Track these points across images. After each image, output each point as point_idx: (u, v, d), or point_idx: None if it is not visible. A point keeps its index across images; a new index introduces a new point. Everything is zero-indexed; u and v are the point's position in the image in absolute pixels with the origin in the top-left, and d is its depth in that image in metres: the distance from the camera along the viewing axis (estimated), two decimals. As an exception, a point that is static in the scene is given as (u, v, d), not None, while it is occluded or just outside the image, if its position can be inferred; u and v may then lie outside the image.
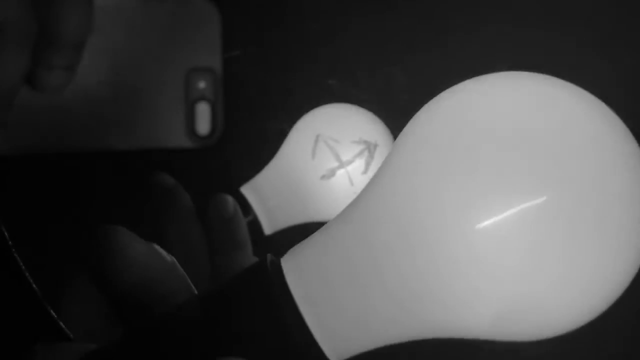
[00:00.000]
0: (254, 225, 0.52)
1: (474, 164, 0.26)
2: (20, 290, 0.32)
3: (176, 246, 0.49)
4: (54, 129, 0.55)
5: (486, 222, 0.25)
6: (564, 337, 0.28)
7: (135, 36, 0.57)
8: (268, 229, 0.53)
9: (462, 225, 0.26)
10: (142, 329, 0.29)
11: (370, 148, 0.52)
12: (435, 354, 0.47)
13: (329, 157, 0.52)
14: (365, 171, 0.52)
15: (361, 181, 0.52)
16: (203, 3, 0.58)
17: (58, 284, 0.45)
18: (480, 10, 0.59)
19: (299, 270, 0.28)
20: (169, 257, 0.30)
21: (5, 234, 0.31)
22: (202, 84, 0.58)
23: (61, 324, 0.31)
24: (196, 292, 0.31)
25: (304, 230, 0.54)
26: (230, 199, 0.51)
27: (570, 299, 0.26)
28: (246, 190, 0.53)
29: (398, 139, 0.29)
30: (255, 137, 0.59)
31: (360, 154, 0.52)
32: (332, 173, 0.52)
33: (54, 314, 0.31)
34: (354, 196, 0.52)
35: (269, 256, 0.28)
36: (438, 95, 0.29)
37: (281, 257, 0.29)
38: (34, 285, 0.32)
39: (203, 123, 0.58)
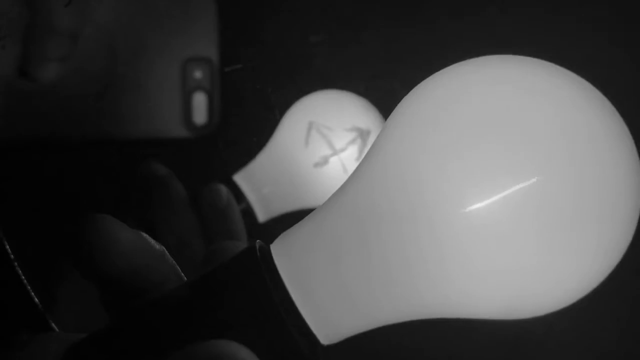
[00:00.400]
0: (248, 213, 0.52)
1: (462, 144, 0.26)
2: (8, 282, 0.32)
3: (169, 235, 0.50)
4: (49, 118, 0.55)
5: (475, 205, 0.25)
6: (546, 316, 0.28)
7: (132, 26, 0.57)
8: (262, 216, 0.53)
9: (451, 205, 0.26)
10: (130, 314, 0.29)
11: (363, 135, 0.52)
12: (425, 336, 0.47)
13: (322, 145, 0.52)
14: (358, 158, 0.52)
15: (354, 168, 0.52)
16: None
17: (52, 276, 0.46)
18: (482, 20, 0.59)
19: (288, 255, 0.28)
20: (157, 246, 0.30)
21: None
22: (198, 74, 0.58)
23: (47, 316, 0.31)
24: (186, 280, 0.31)
25: (297, 218, 0.54)
26: (223, 188, 0.51)
27: (553, 281, 0.26)
28: (239, 178, 0.53)
29: (388, 120, 0.29)
30: (252, 126, 0.59)
31: (353, 141, 0.52)
32: (325, 160, 0.52)
33: (39, 304, 0.31)
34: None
35: (258, 242, 0.29)
36: (428, 77, 0.29)
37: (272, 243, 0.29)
38: (23, 278, 0.32)
39: (200, 113, 0.58)
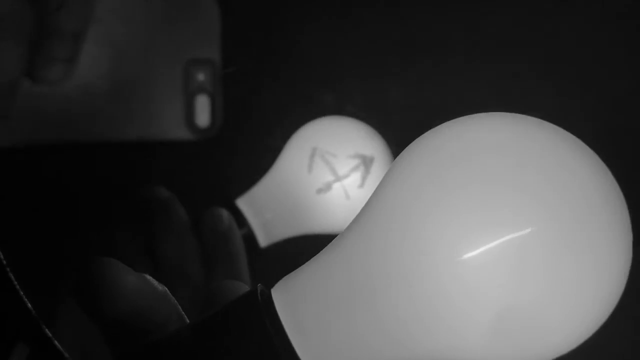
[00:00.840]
0: (250, 237, 0.52)
1: (460, 198, 0.27)
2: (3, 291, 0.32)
3: (171, 260, 0.49)
4: (53, 120, 0.55)
5: (472, 253, 0.26)
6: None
7: (135, 28, 0.57)
8: (263, 241, 0.53)
9: (450, 255, 0.26)
10: (133, 357, 0.29)
11: (366, 162, 0.52)
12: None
13: (325, 171, 0.52)
14: (361, 185, 0.52)
15: (357, 195, 0.52)
16: None
17: (52, 302, 0.46)
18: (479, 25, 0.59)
19: (289, 301, 0.28)
20: (160, 287, 0.31)
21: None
22: (201, 76, 0.58)
23: (44, 327, 0.31)
24: (187, 320, 0.31)
25: (299, 243, 0.54)
26: (225, 212, 0.51)
27: (555, 325, 0.27)
28: (242, 202, 0.53)
29: (386, 174, 0.30)
30: (255, 128, 0.59)
31: (356, 168, 0.52)
32: (328, 187, 0.52)
33: (35, 314, 0.31)
34: (350, 210, 0.52)
35: (259, 286, 0.29)
36: (424, 134, 0.30)
37: (272, 286, 0.29)
38: (17, 286, 0.32)
39: (202, 115, 0.58)
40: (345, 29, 0.60)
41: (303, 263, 0.30)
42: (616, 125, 0.57)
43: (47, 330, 0.32)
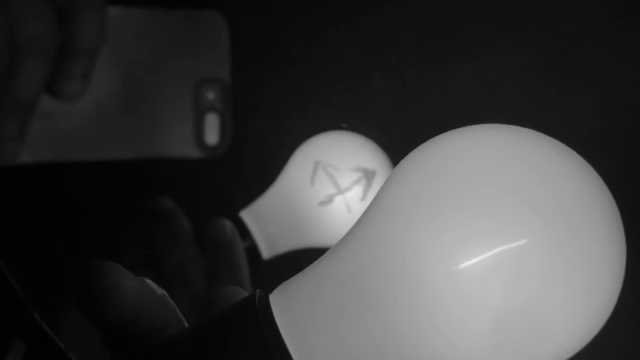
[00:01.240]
0: (253, 249, 0.53)
1: (455, 209, 0.27)
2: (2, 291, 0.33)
3: (173, 270, 0.50)
4: (63, 138, 0.56)
5: (467, 262, 0.26)
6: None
7: (145, 47, 0.57)
8: (266, 253, 0.53)
9: (445, 265, 0.27)
10: None
11: (368, 176, 0.52)
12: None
13: (327, 184, 0.53)
14: (363, 198, 0.52)
15: (359, 208, 0.52)
16: (211, 14, 0.59)
17: (58, 304, 0.46)
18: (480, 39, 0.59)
19: (286, 307, 0.29)
20: (159, 290, 0.31)
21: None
22: (211, 95, 0.59)
23: (43, 324, 0.32)
24: (186, 323, 0.32)
25: (301, 256, 0.54)
26: (228, 224, 0.52)
27: (550, 334, 0.27)
28: (245, 214, 0.53)
29: (382, 185, 0.30)
30: (264, 147, 0.60)
31: (358, 181, 0.52)
32: (330, 199, 0.52)
33: (34, 312, 0.32)
34: (352, 223, 0.53)
35: (258, 292, 0.29)
36: (421, 145, 0.30)
37: (270, 292, 0.30)
38: (16, 286, 0.33)
39: (212, 133, 0.59)
40: (354, 46, 0.60)
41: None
42: (610, 134, 0.57)
43: (45, 327, 0.32)
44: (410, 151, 0.30)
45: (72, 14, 0.50)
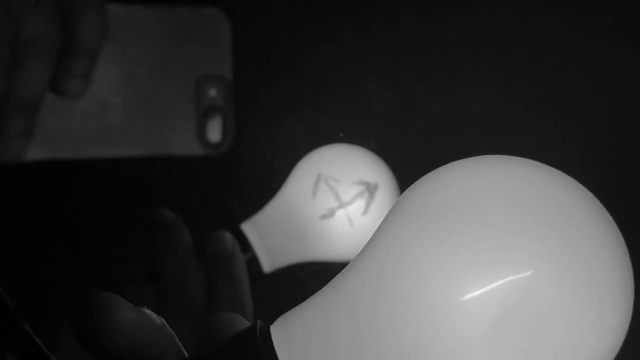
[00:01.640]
0: (253, 262, 0.53)
1: (459, 239, 0.27)
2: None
3: (172, 282, 0.50)
4: (65, 136, 0.56)
5: (471, 294, 0.26)
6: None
7: (146, 44, 0.57)
8: (267, 266, 0.53)
9: (449, 297, 0.26)
10: None
11: (370, 189, 0.52)
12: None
13: (329, 197, 0.52)
14: (365, 212, 0.52)
15: (361, 222, 0.52)
16: (213, 11, 0.59)
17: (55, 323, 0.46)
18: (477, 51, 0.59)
19: (287, 339, 0.29)
20: (158, 320, 0.31)
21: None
22: (212, 92, 0.58)
23: (36, 339, 0.31)
24: (185, 352, 0.32)
25: (303, 269, 0.54)
26: (229, 236, 0.51)
27: None
28: (247, 227, 0.53)
29: (387, 214, 0.30)
30: (266, 144, 0.60)
31: (360, 194, 0.52)
32: (331, 213, 0.52)
33: (27, 327, 0.31)
34: (353, 237, 0.53)
35: (259, 323, 0.29)
36: (426, 175, 0.30)
37: (274, 314, 0.30)
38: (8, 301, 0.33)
39: (214, 131, 0.58)
40: (359, 49, 0.60)
41: (305, 291, 0.30)
42: (614, 165, 0.57)
43: (37, 341, 0.32)
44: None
45: (73, 14, 0.51)
